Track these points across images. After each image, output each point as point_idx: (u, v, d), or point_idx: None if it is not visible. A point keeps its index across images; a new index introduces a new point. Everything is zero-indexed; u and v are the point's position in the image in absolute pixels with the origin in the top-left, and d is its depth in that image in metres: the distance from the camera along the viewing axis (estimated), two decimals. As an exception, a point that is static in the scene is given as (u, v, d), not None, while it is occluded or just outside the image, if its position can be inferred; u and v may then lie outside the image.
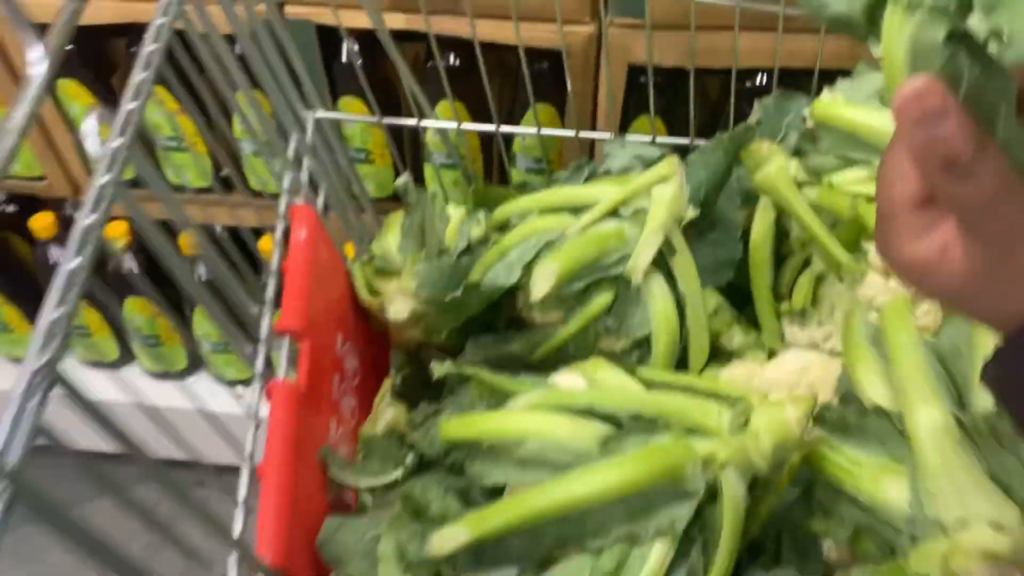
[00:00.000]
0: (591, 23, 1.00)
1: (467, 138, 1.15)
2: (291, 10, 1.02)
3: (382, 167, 1.21)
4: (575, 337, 0.67)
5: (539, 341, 0.67)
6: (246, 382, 1.49)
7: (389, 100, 1.17)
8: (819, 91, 0.77)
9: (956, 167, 0.31)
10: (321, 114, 0.83)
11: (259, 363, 0.60)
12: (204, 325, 1.39)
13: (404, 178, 0.75)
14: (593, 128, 1.11)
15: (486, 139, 1.17)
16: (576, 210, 0.70)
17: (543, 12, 0.94)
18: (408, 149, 1.20)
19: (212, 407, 0.97)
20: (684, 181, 0.68)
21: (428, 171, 1.19)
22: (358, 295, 0.75)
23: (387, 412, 0.70)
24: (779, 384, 0.66)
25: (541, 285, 0.63)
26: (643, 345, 0.67)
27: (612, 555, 0.51)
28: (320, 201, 0.77)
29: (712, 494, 0.54)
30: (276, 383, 0.59)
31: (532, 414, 0.53)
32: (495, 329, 0.75)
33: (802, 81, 0.90)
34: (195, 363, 1.48)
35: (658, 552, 0.51)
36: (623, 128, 1.10)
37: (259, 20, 0.69)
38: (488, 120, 1.16)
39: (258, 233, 1.19)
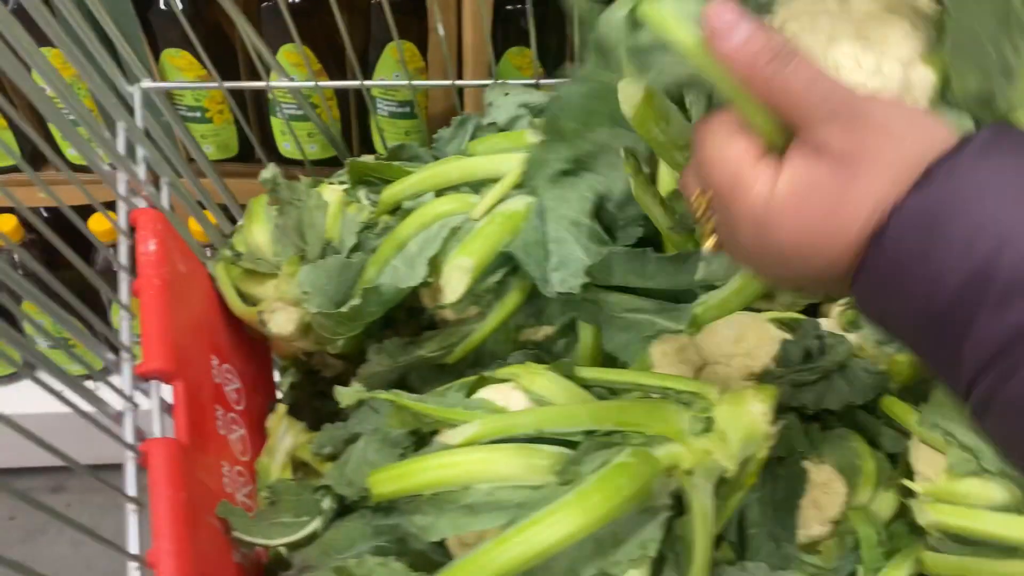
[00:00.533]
0: (450, -51, 0.88)
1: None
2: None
3: (222, 124, 1.05)
4: (494, 333, 0.59)
5: (454, 341, 0.59)
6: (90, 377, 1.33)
7: (221, 48, 1.01)
8: None
9: (780, 51, 0.33)
10: (148, 84, 0.69)
11: (127, 425, 0.48)
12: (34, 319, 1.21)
13: (270, 171, 0.63)
14: (460, 64, 1.01)
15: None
16: (476, 185, 0.61)
17: (395, -61, 0.81)
18: (251, 103, 1.05)
19: (56, 407, 0.83)
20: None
21: (277, 125, 1.05)
22: (228, 304, 0.63)
23: (285, 439, 0.60)
24: (716, 356, 0.61)
25: (455, 285, 0.54)
26: (568, 330, 0.61)
27: (585, 599, 0.45)
28: (164, 194, 0.64)
29: (679, 503, 0.49)
30: (151, 443, 0.49)
31: (475, 453, 0.46)
32: (395, 323, 0.66)
33: None
34: (31, 362, 1.30)
35: (633, 583, 0.46)
36: (495, 63, 1.00)
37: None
38: (340, 65, 1.03)
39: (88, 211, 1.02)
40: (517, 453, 0.46)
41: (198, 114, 1.03)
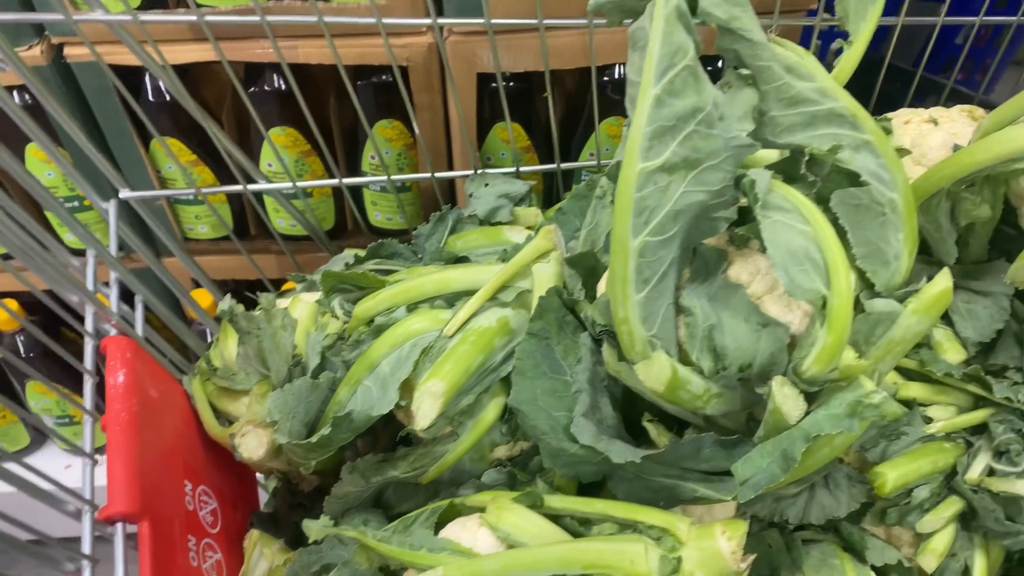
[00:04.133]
0: (428, 33, 0.88)
1: (308, 163, 1.02)
2: (72, 51, 0.85)
3: (216, 203, 1.06)
4: (468, 452, 0.58)
5: (427, 461, 0.58)
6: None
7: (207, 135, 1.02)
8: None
9: None
10: (126, 195, 0.70)
11: (87, 578, 0.48)
12: (40, 398, 1.22)
13: (226, 302, 0.63)
14: (448, 137, 1.00)
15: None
16: (451, 298, 0.60)
17: (374, 27, 0.81)
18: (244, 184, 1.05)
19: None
20: (564, 252, 0.60)
21: (270, 203, 1.06)
22: (203, 424, 0.63)
23: (260, 565, 0.60)
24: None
25: (426, 411, 0.53)
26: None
27: None
28: (139, 313, 0.64)
29: (649, 645, 0.47)
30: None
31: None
32: (373, 430, 0.65)
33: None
34: (38, 439, 1.31)
35: None
36: (480, 137, 1.00)
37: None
38: (330, 140, 1.04)
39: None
40: (481, 605, 0.45)
41: (191, 196, 1.03)
